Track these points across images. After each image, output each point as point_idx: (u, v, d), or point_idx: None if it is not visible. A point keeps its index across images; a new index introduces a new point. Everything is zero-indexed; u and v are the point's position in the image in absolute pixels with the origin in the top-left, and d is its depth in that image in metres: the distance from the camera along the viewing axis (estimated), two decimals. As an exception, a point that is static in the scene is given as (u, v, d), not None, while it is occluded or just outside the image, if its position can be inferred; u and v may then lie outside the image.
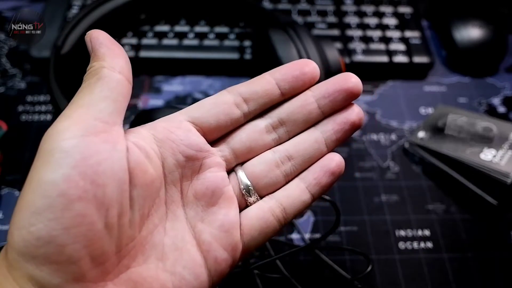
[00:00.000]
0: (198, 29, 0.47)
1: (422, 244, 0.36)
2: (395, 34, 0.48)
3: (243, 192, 0.25)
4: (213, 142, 0.25)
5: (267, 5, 0.50)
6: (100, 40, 0.23)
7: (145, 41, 0.46)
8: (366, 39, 0.47)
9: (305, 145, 0.25)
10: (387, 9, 0.50)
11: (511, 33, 0.50)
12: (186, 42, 0.46)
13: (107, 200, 0.19)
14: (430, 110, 0.44)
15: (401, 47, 0.47)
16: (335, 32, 0.48)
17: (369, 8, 0.50)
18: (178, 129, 0.23)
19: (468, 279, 0.34)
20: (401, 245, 0.36)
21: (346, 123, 0.25)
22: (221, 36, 0.47)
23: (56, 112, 0.37)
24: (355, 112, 0.25)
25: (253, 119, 0.25)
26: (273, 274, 0.33)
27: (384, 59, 0.46)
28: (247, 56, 0.45)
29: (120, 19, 0.45)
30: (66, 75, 0.40)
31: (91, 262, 0.19)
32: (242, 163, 0.25)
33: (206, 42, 0.46)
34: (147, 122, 0.24)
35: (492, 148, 0.39)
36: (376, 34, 0.48)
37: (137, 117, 0.31)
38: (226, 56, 0.45)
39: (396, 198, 0.38)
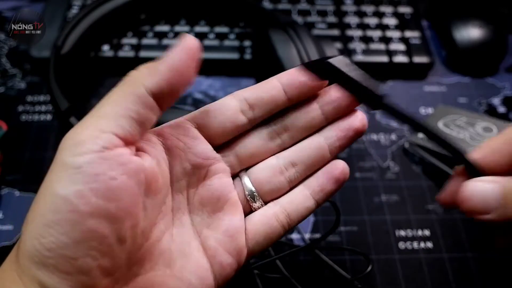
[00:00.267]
0: (198, 29, 0.47)
1: (422, 244, 0.36)
2: (395, 34, 0.48)
3: (248, 198, 0.25)
4: (218, 147, 0.25)
5: (267, 5, 0.50)
6: (176, 57, 0.21)
7: (145, 41, 0.46)
8: (366, 39, 0.47)
9: (309, 151, 0.25)
10: (387, 9, 0.50)
11: (511, 33, 0.50)
12: (186, 42, 0.46)
13: (121, 214, 0.19)
14: (430, 110, 0.44)
15: (401, 47, 0.47)
16: (335, 32, 0.48)
17: (369, 8, 0.50)
18: (186, 137, 0.23)
19: (468, 279, 0.34)
20: (401, 245, 0.36)
21: (349, 130, 0.25)
22: (221, 36, 0.47)
23: (56, 112, 0.37)
24: (359, 119, 0.25)
25: (258, 124, 0.25)
26: (273, 274, 0.33)
27: (384, 59, 0.46)
28: (247, 56, 0.45)
29: (120, 19, 0.45)
30: (66, 75, 0.40)
31: (102, 273, 0.19)
32: (246, 169, 0.25)
33: (206, 42, 0.46)
34: None
35: (492, 148, 0.39)
36: (376, 34, 0.48)
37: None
38: (226, 56, 0.45)
39: (396, 198, 0.38)
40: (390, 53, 0.46)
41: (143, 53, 0.45)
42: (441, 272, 0.34)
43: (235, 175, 0.25)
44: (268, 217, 0.24)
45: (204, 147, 0.24)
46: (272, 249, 0.34)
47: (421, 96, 0.46)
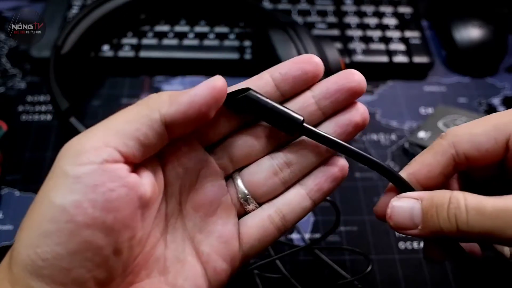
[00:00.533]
0: (198, 29, 0.47)
1: (422, 244, 0.36)
2: (395, 34, 0.48)
3: (241, 201, 0.24)
4: (210, 148, 0.24)
5: (267, 5, 0.50)
6: (200, 93, 0.20)
7: (145, 41, 0.46)
8: (366, 39, 0.47)
9: (305, 150, 0.24)
10: (387, 9, 0.50)
11: (511, 33, 0.50)
12: (186, 42, 0.46)
13: (118, 225, 0.19)
14: (430, 110, 0.44)
15: (401, 47, 0.47)
16: (335, 32, 0.48)
17: (369, 8, 0.50)
18: (178, 140, 0.23)
19: (468, 279, 0.34)
20: (401, 245, 0.36)
21: (349, 125, 0.24)
22: (221, 36, 0.47)
23: (56, 112, 0.37)
24: (359, 112, 0.24)
25: (251, 122, 0.24)
26: (273, 274, 0.33)
27: (384, 59, 0.46)
28: (247, 56, 0.45)
29: (120, 19, 0.45)
30: (66, 75, 0.40)
31: (96, 284, 0.19)
32: (240, 169, 0.25)
33: (206, 42, 0.46)
34: None
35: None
36: (376, 34, 0.48)
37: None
38: (226, 56, 0.45)
39: (396, 198, 0.38)
40: (390, 53, 0.46)
41: (143, 53, 0.45)
42: (441, 272, 0.34)
43: (228, 176, 0.25)
44: (263, 220, 0.24)
45: (196, 150, 0.23)
46: (272, 249, 0.34)
47: (421, 96, 0.46)
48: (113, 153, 0.19)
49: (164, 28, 0.47)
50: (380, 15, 0.50)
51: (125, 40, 0.46)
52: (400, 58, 0.46)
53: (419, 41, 0.47)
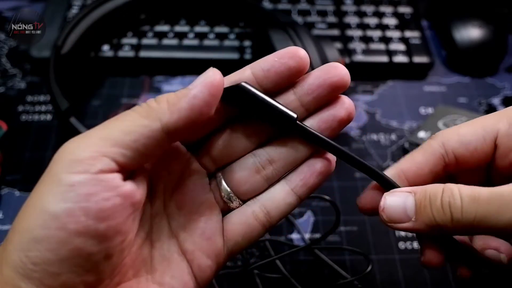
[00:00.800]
0: (198, 29, 0.47)
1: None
2: (395, 34, 0.48)
3: (225, 199, 0.24)
4: (192, 148, 0.24)
5: (267, 5, 0.50)
6: (199, 95, 0.20)
7: (145, 41, 0.46)
8: (366, 39, 0.47)
9: (287, 147, 0.23)
10: (387, 9, 0.50)
11: (511, 33, 0.50)
12: (186, 42, 0.46)
13: (111, 233, 0.19)
14: (430, 110, 0.44)
15: (401, 47, 0.47)
16: (335, 32, 0.48)
17: (369, 8, 0.50)
18: None
19: (468, 279, 0.34)
20: (401, 245, 0.36)
21: (333, 121, 0.23)
22: (221, 36, 0.47)
23: (56, 112, 0.37)
24: (344, 107, 0.23)
25: (232, 120, 0.24)
26: (273, 274, 0.33)
27: (384, 59, 0.46)
28: (247, 56, 0.45)
29: (120, 19, 0.45)
30: (66, 75, 0.40)
31: (86, 287, 0.19)
32: (223, 166, 0.24)
33: (206, 42, 0.46)
34: None
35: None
36: (376, 34, 0.48)
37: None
38: (226, 56, 0.45)
39: (396, 198, 0.38)
40: (390, 53, 0.46)
41: (143, 53, 0.45)
42: (441, 272, 0.34)
43: (211, 174, 0.25)
44: (247, 216, 0.24)
45: (178, 150, 0.23)
46: (272, 249, 0.34)
47: (421, 96, 0.46)
48: (110, 163, 0.19)
49: (164, 28, 0.47)
50: (380, 15, 0.50)
51: (125, 40, 0.46)
52: (400, 58, 0.46)
53: (419, 41, 0.47)
